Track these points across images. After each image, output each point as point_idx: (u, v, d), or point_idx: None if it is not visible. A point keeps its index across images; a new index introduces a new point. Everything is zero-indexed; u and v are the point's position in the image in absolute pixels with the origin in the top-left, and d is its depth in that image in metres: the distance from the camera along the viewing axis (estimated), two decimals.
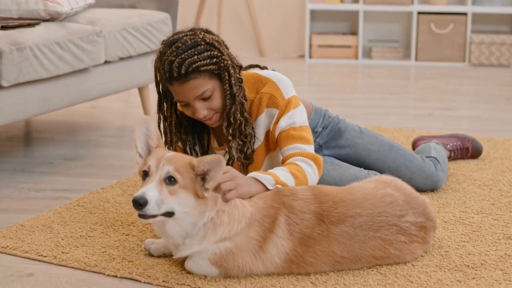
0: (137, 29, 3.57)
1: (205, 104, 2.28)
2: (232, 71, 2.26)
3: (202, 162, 1.97)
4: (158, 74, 2.32)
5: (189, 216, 1.98)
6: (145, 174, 1.98)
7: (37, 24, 3.19)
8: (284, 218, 2.03)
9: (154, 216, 1.94)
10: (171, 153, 2.02)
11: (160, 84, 2.35)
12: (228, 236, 2.01)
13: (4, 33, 2.96)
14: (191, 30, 2.27)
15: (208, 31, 2.29)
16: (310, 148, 2.32)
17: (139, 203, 1.89)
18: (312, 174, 2.26)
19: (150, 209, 1.90)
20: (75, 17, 3.45)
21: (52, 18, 3.31)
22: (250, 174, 2.17)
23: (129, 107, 4.50)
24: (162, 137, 2.35)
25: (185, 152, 2.43)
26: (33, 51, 2.97)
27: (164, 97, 2.37)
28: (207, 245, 2.01)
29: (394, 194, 2.16)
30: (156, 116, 2.42)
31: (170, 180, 1.94)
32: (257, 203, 2.07)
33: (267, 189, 2.14)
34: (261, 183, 2.14)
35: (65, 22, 3.34)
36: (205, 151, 2.49)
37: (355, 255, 2.06)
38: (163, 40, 2.29)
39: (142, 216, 1.93)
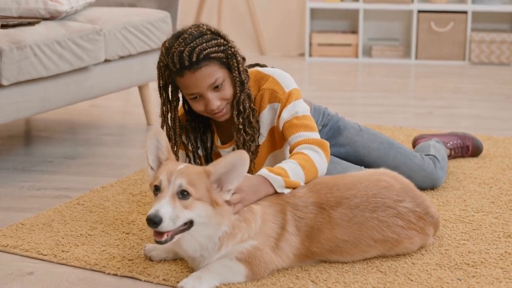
0: (137, 27, 3.57)
1: (217, 94, 2.29)
2: (239, 58, 2.30)
3: (218, 166, 1.94)
4: (164, 73, 2.31)
5: (206, 227, 1.95)
6: (156, 189, 1.94)
7: (37, 22, 3.19)
8: (291, 215, 2.06)
9: (172, 238, 1.90)
10: (183, 165, 1.97)
11: (165, 86, 2.34)
12: (249, 236, 2.00)
13: (4, 31, 2.96)
14: (193, 24, 2.31)
15: (209, 26, 2.32)
16: (315, 135, 2.32)
17: (154, 222, 1.85)
18: (320, 160, 2.25)
19: (166, 226, 1.86)
20: (75, 15, 3.45)
21: (52, 17, 3.31)
22: (259, 172, 2.15)
23: (129, 105, 4.50)
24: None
25: (186, 154, 2.44)
26: (33, 49, 2.97)
27: (167, 99, 2.36)
28: (226, 249, 1.98)
29: (390, 181, 2.18)
30: (159, 119, 2.42)
31: (183, 194, 1.90)
32: (262, 204, 2.07)
33: (276, 192, 2.12)
34: (271, 185, 2.11)
35: (65, 20, 3.34)
36: (208, 153, 2.50)
37: (354, 237, 2.08)
38: (165, 40, 2.30)
39: (159, 242, 1.89)
